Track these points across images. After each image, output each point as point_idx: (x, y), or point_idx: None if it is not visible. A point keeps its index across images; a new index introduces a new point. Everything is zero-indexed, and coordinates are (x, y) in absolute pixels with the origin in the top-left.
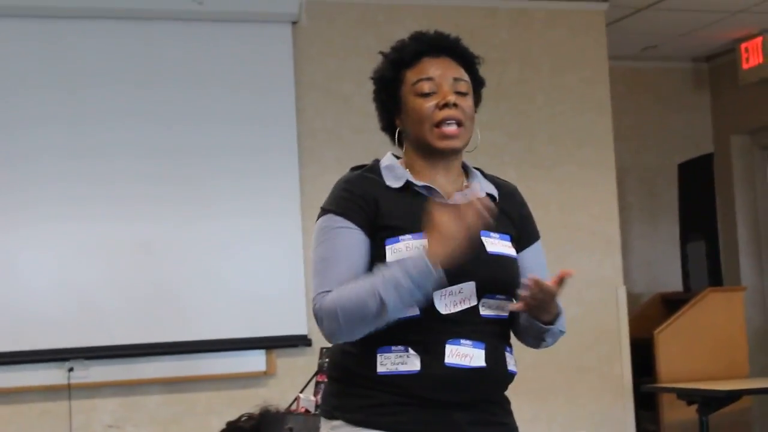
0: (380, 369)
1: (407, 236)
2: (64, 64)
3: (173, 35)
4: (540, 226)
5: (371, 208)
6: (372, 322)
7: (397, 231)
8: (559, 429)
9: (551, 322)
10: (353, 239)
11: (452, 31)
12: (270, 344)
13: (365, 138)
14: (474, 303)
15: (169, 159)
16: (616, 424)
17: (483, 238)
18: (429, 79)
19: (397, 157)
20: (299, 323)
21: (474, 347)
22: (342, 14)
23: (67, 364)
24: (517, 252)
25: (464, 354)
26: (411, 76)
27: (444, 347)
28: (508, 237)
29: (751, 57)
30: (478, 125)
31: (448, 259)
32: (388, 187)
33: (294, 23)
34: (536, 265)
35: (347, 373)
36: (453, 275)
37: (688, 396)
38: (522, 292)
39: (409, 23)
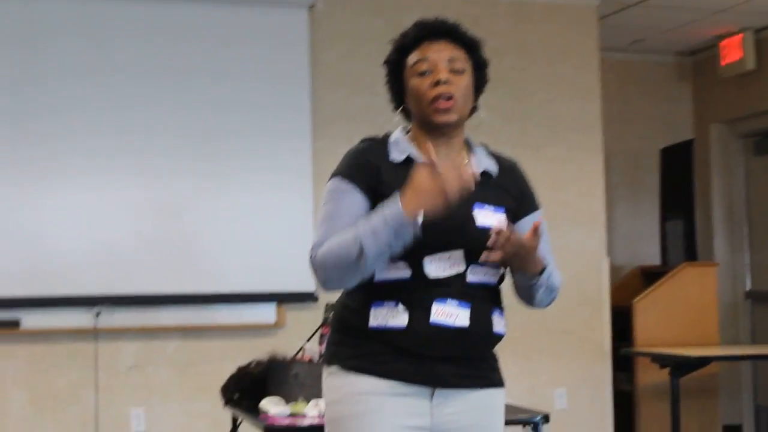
0: (371, 323)
1: None
2: (94, 39)
3: (194, 16)
4: None
5: (374, 175)
6: (355, 268)
7: None
8: (543, 385)
9: (538, 276)
10: (355, 200)
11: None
12: (280, 299)
13: (373, 116)
14: (462, 269)
15: (192, 125)
16: (595, 383)
17: (476, 210)
18: (425, 60)
19: (408, 132)
20: (307, 281)
21: (459, 307)
22: (354, 0)
23: (95, 309)
24: (516, 221)
25: (449, 313)
26: (411, 58)
27: (431, 306)
28: (502, 209)
29: (730, 53)
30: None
31: (420, 212)
32: (392, 160)
33: (310, 7)
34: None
35: (345, 325)
36: (443, 243)
37: (662, 360)
38: (489, 243)
39: (416, 10)
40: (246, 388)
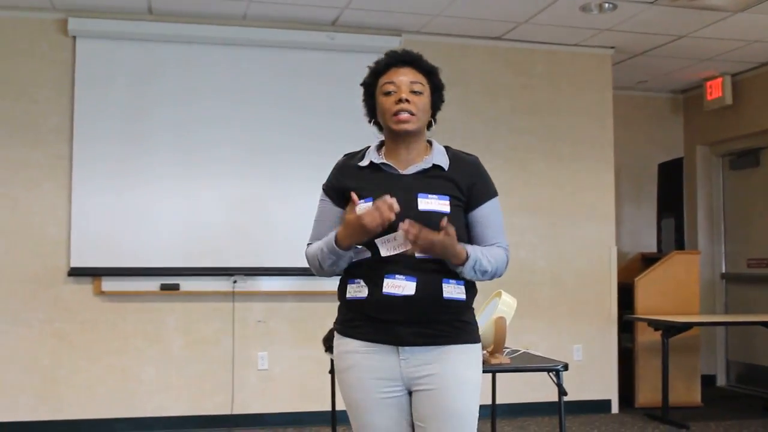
0: (348, 294)
1: (360, 201)
2: (197, 74)
3: (310, 61)
4: (557, 203)
5: (342, 183)
6: (321, 271)
7: (361, 195)
8: (564, 342)
9: (462, 265)
10: (330, 210)
11: (500, 64)
12: None
13: (440, 136)
14: (408, 247)
15: (271, 146)
16: (604, 341)
17: (420, 198)
18: (391, 83)
19: (382, 143)
20: None
21: (407, 280)
22: (428, 49)
23: (233, 278)
24: (468, 211)
25: (398, 285)
26: (381, 81)
27: (383, 280)
28: (447, 197)
29: (713, 91)
30: (517, 132)
31: (350, 242)
32: (359, 166)
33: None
34: (483, 219)
35: (338, 297)
36: (388, 227)
37: (656, 324)
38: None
39: (474, 58)
40: None
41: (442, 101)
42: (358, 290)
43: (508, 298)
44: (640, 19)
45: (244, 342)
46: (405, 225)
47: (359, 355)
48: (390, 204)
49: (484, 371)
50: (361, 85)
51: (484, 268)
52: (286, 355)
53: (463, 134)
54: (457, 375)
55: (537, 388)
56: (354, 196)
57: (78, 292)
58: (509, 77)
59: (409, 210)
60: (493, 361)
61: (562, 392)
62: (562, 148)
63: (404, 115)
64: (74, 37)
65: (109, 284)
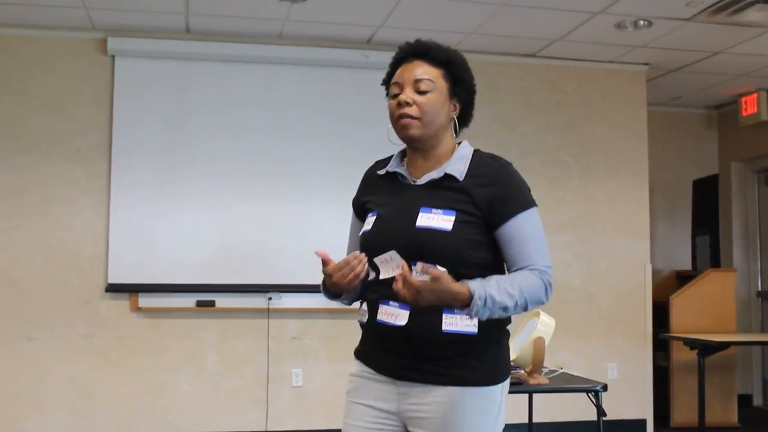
0: (358, 318)
1: (369, 214)
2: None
3: (345, 79)
4: (592, 219)
5: (359, 199)
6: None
7: (368, 211)
8: (599, 360)
9: (467, 307)
10: (353, 224)
11: (534, 80)
12: None
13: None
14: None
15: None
16: (639, 360)
17: (422, 212)
18: (396, 83)
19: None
20: None
21: (400, 308)
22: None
23: (268, 295)
24: (494, 229)
25: (391, 313)
26: (392, 80)
27: (378, 306)
28: (453, 212)
29: (748, 107)
30: (552, 148)
31: (332, 290)
32: (379, 175)
33: None
34: (510, 238)
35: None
36: (382, 245)
37: (691, 343)
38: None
39: (508, 75)
40: None
41: (473, 92)
42: (362, 314)
43: (546, 318)
44: (675, 36)
45: (278, 359)
46: (418, 267)
47: (361, 379)
48: (360, 258)
49: (522, 392)
50: (382, 84)
51: (502, 303)
52: (321, 372)
53: (498, 151)
54: (459, 425)
55: (572, 408)
56: (320, 252)
57: (115, 308)
58: (543, 94)
59: (405, 227)
60: (532, 381)
61: (601, 413)
62: (596, 164)
63: (405, 120)
64: (113, 56)
65: (145, 300)
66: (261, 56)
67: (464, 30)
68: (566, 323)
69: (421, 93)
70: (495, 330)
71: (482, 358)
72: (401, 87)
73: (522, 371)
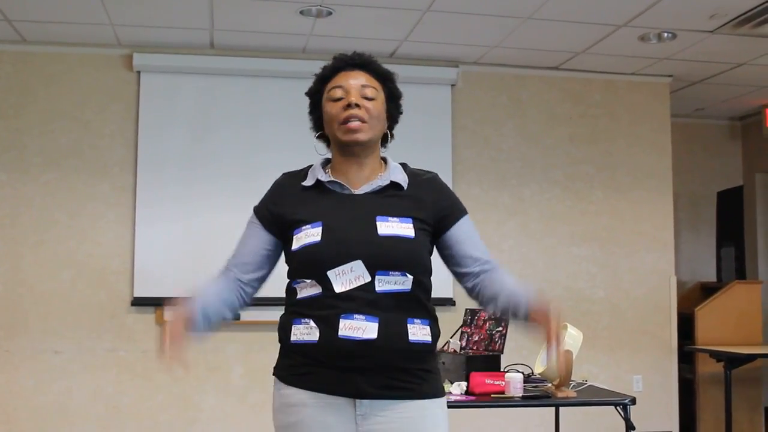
0: (292, 338)
1: (307, 226)
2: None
3: None
4: (617, 232)
5: (277, 206)
6: None
7: (299, 223)
8: (624, 373)
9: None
10: (257, 235)
11: (557, 93)
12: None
13: (499, 165)
14: (368, 279)
15: None
16: (664, 372)
17: (379, 221)
18: (339, 87)
19: (328, 161)
20: (447, 289)
21: (367, 321)
22: (485, 80)
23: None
24: (441, 233)
25: (357, 327)
26: (329, 86)
27: (339, 321)
28: (409, 220)
29: None
30: (575, 161)
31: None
32: (303, 186)
33: (452, 85)
34: (462, 237)
35: (280, 339)
36: (342, 256)
37: (717, 356)
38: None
39: (531, 87)
40: None
41: (400, 112)
42: (306, 332)
43: (573, 331)
44: (700, 48)
45: None
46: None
47: (311, 409)
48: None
49: (550, 405)
50: (306, 94)
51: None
52: None
53: (522, 163)
54: None
55: (598, 421)
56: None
57: (141, 322)
58: (567, 106)
59: (367, 236)
60: (560, 394)
61: (630, 426)
62: (620, 176)
63: (354, 123)
64: (139, 72)
65: (170, 313)
66: (285, 71)
67: (488, 43)
68: (591, 335)
69: (368, 99)
70: (436, 341)
71: (434, 370)
72: (346, 91)
73: (549, 384)
